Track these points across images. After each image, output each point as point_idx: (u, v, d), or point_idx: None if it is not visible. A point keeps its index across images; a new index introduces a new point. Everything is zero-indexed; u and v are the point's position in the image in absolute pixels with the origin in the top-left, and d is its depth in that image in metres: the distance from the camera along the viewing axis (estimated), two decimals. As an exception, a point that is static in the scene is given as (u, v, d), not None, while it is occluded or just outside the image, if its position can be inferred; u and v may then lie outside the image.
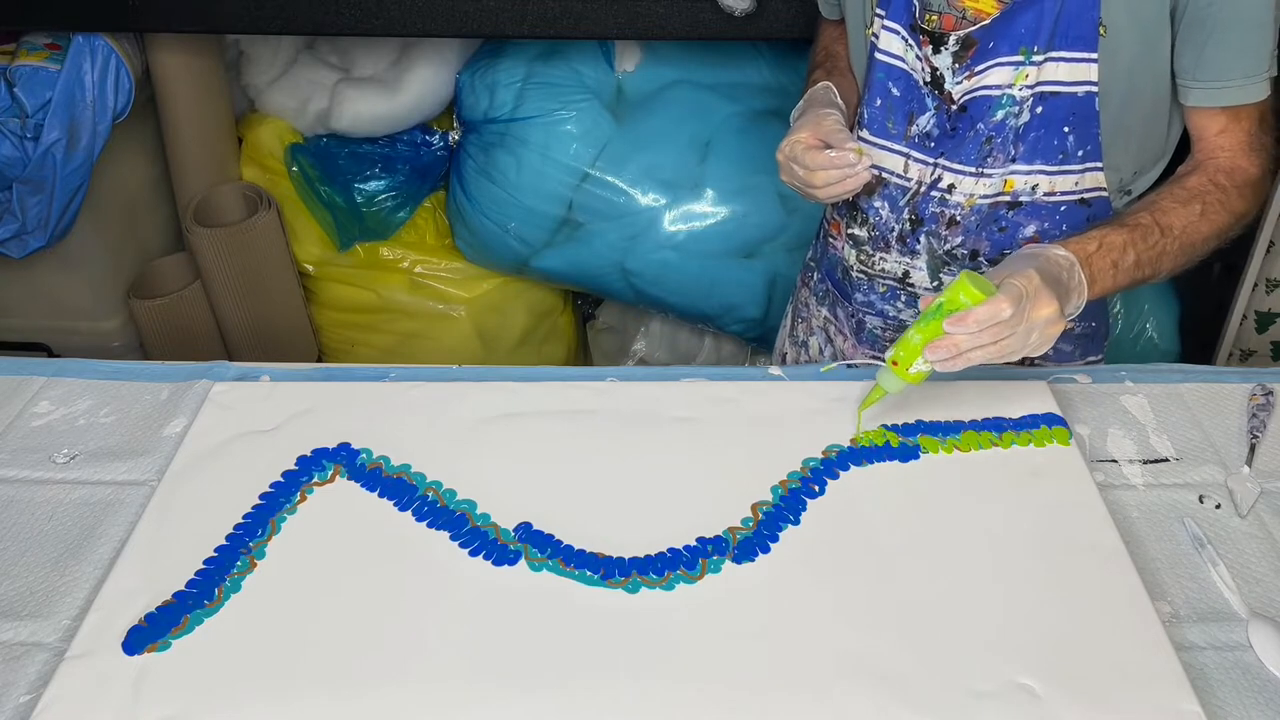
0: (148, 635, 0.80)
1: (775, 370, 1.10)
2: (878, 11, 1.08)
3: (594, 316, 2.43)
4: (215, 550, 0.87)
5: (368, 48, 2.13)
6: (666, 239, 2.01)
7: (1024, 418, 1.01)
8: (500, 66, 2.01)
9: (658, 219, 2.01)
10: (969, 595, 0.84)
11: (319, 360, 2.29)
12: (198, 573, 0.85)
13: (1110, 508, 0.92)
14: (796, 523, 0.91)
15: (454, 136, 2.15)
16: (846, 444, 0.98)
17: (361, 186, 2.14)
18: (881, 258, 1.18)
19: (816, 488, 0.94)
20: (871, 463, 0.97)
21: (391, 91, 2.07)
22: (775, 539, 0.89)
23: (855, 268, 1.21)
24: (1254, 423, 1.03)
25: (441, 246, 2.19)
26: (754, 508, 0.92)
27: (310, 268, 2.20)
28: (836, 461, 0.97)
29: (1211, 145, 1.05)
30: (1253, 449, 1.00)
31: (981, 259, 1.13)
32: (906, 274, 1.17)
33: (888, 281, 1.19)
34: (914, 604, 0.83)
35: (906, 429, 1.00)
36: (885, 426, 1.00)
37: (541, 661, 0.79)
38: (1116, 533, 0.89)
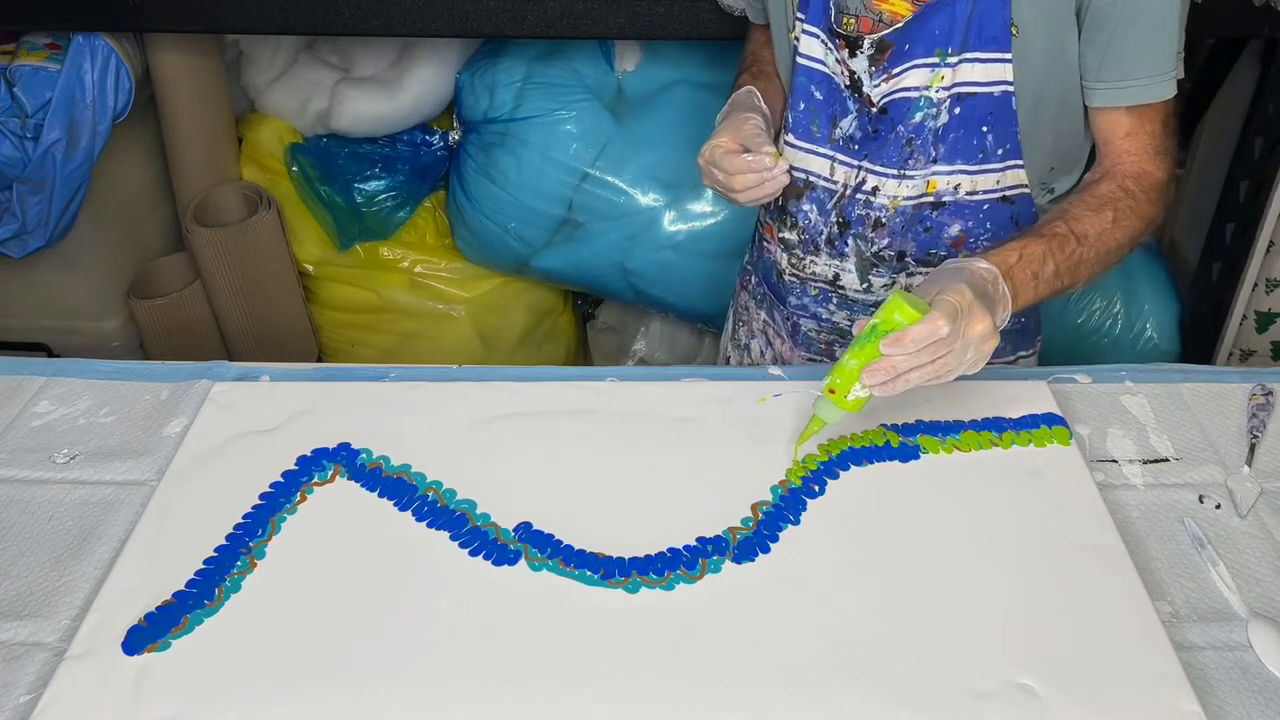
0: (148, 635, 0.80)
1: (775, 370, 1.10)
2: (798, 15, 1.08)
3: (594, 316, 2.43)
4: (215, 550, 0.88)
5: (368, 48, 2.13)
6: (666, 239, 2.01)
7: (1024, 418, 1.01)
8: (500, 66, 2.01)
9: (658, 219, 2.01)
10: (969, 595, 0.84)
11: (319, 360, 2.29)
12: (198, 573, 0.85)
13: (1110, 508, 0.92)
14: (796, 523, 0.91)
15: (454, 136, 2.15)
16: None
17: (361, 186, 2.14)
18: (812, 261, 1.18)
19: (816, 488, 0.94)
20: (871, 463, 0.97)
21: (391, 91, 2.07)
22: (775, 539, 0.89)
23: (787, 271, 1.21)
24: (1254, 423, 1.03)
25: (441, 246, 2.19)
26: (754, 508, 0.92)
27: (310, 268, 2.20)
28: (836, 461, 0.97)
29: (1118, 150, 1.04)
30: (1253, 449, 1.01)
31: (909, 259, 1.13)
32: (837, 276, 1.17)
33: (819, 284, 1.20)
34: (914, 604, 0.83)
35: (906, 429, 1.00)
36: (885, 426, 1.00)
37: (541, 661, 0.79)
38: (1116, 533, 0.89)
